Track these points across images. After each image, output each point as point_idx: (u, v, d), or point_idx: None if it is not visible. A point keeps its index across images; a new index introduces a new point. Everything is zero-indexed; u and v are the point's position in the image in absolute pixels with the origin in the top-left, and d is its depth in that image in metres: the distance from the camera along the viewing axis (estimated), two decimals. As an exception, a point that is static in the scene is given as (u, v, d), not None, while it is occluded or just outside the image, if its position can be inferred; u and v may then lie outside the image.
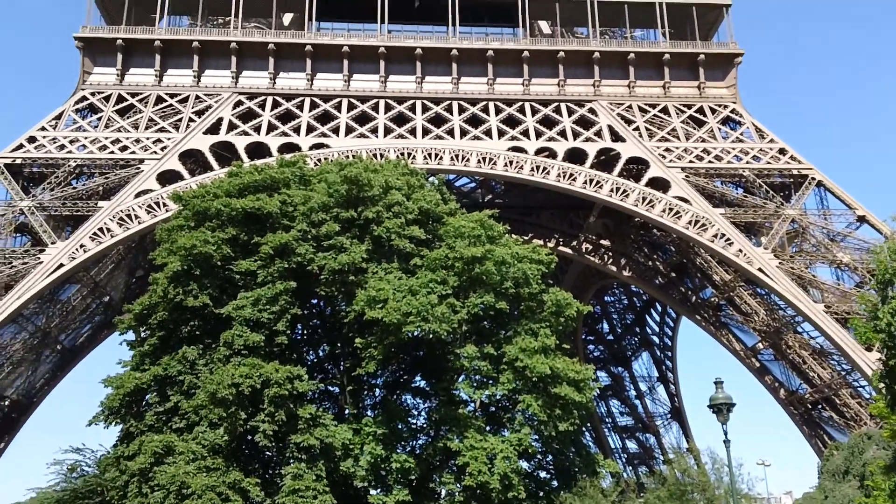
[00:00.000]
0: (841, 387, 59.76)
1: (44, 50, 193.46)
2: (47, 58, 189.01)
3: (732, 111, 66.86)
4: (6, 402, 62.14)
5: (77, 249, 55.70)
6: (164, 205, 56.23)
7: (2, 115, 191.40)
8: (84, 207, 57.96)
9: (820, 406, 62.28)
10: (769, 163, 63.56)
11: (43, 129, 61.51)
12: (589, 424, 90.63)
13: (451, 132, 62.94)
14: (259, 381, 25.51)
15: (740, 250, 58.20)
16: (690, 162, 62.59)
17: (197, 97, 63.82)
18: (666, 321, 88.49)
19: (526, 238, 67.98)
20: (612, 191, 60.15)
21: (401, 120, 64.25)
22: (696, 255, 66.97)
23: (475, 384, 28.13)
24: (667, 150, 63.16)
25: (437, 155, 60.93)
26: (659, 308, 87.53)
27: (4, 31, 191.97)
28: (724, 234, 58.63)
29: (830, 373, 60.60)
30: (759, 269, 57.56)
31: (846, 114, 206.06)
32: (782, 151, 64.40)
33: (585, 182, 60.35)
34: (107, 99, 63.47)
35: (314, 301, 31.74)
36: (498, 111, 64.88)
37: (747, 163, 63.38)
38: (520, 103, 65.55)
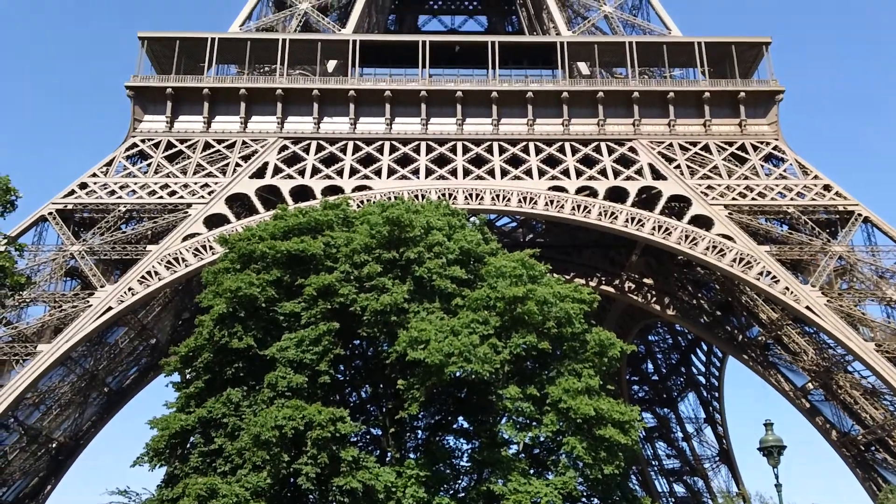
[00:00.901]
0: (894, 428, 58.03)
1: (98, 98, 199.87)
2: (101, 105, 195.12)
3: (775, 148, 66.24)
4: (54, 445, 62.84)
5: (125, 293, 56.85)
6: (211, 248, 57.28)
7: (56, 161, 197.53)
8: (133, 251, 59.32)
9: (873, 448, 60.44)
10: (814, 199, 62.72)
11: (94, 175, 63.33)
12: (635, 467, 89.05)
13: (491, 172, 63.33)
14: (302, 423, 25.47)
15: (787, 288, 57.24)
16: (733, 199, 62.01)
17: (243, 142, 65.25)
18: (712, 361, 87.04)
19: (568, 277, 67.76)
20: (654, 229, 59.79)
21: (442, 161, 64.87)
22: (741, 294, 65.99)
23: (518, 426, 27.80)
24: (709, 187, 62.71)
25: (478, 195, 61.29)
26: (704, 347, 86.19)
27: (61, 81, 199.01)
28: (769, 272, 57.76)
29: (883, 413, 58.91)
30: (807, 308, 56.51)
31: (891, 146, 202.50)
32: (827, 188, 63.52)
33: (627, 220, 60.11)
34: (156, 145, 65.20)
35: (356, 342, 31.79)
36: (538, 151, 65.14)
37: (791, 199, 62.62)
38: (560, 143, 65.76)
